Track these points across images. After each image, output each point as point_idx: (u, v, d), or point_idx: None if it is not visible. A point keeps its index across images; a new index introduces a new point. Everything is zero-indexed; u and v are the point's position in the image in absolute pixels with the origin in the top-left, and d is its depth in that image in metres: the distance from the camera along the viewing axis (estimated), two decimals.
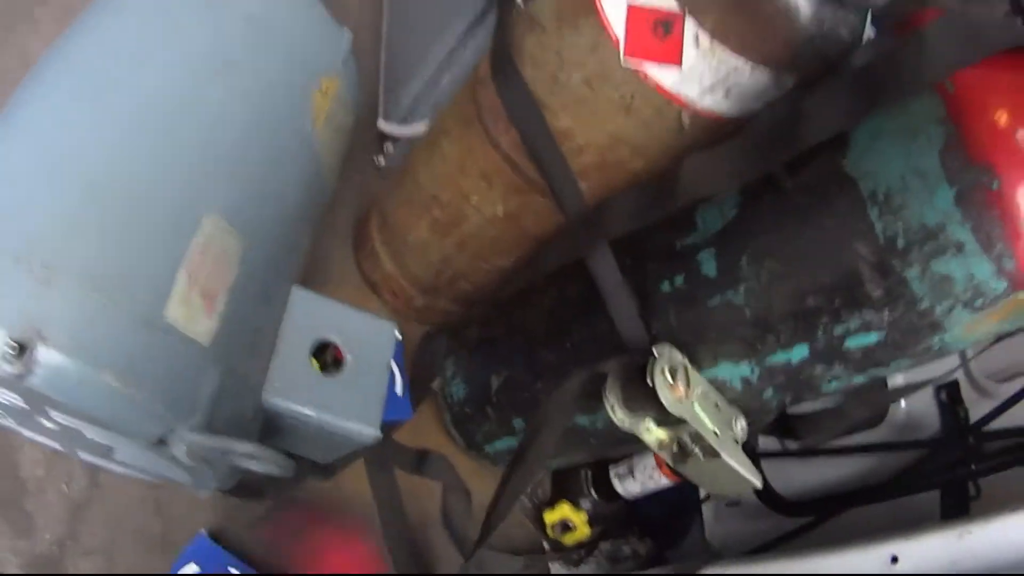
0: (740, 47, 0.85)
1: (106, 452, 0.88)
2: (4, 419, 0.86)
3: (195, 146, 0.84)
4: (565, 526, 1.48)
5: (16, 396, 0.71)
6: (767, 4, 0.84)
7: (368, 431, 0.92)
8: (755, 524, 1.36)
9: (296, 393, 0.90)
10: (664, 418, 0.90)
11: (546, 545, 1.53)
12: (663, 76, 0.88)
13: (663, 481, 1.37)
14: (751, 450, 1.05)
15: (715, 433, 0.88)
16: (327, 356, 0.96)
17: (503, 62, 1.01)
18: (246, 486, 1.13)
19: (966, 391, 1.21)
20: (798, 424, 1.14)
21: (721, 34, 0.84)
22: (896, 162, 0.76)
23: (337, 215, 1.49)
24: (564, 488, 1.51)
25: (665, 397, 0.84)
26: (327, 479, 1.24)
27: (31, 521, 1.07)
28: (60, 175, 0.74)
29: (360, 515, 1.31)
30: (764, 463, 1.28)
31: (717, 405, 0.92)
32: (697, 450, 0.90)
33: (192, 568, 1.13)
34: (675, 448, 0.91)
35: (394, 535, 1.28)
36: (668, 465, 1.29)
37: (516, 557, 1.45)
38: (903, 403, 1.23)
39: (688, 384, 0.88)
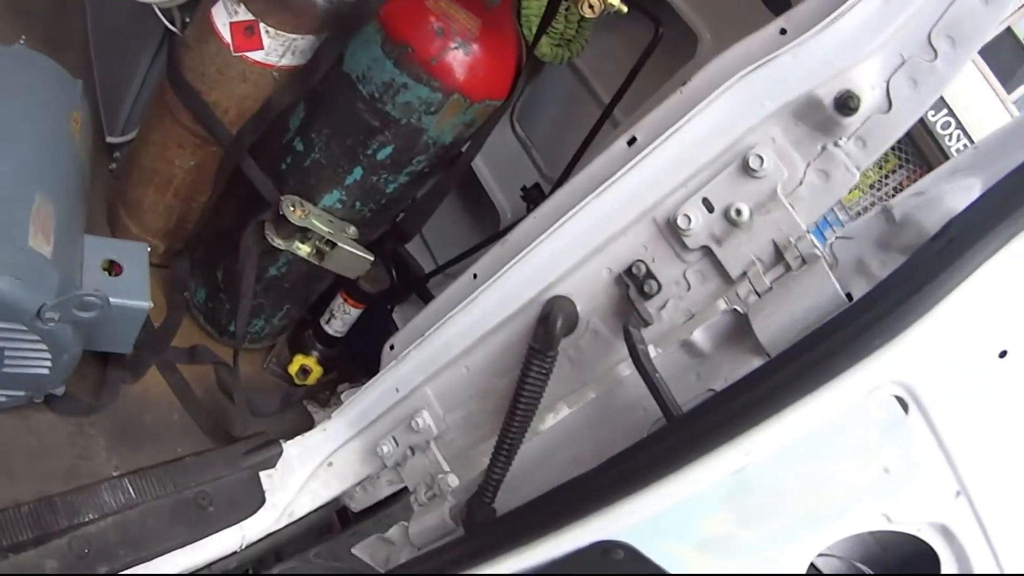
0: (291, 28, 1.64)
1: None
2: None
3: (21, 155, 1.53)
4: (305, 371, 2.19)
5: None
6: (298, 4, 1.62)
7: (144, 304, 1.64)
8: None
9: (98, 287, 1.58)
10: (303, 236, 1.67)
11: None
12: (257, 55, 1.65)
13: (353, 311, 2.11)
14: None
15: (331, 234, 1.66)
16: (112, 269, 1.65)
17: (175, 73, 1.75)
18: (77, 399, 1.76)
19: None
20: (404, 226, 1.92)
21: (277, 25, 1.63)
22: (365, 57, 1.57)
23: (95, 212, 2.12)
24: (296, 346, 2.22)
25: (291, 217, 1.62)
26: (135, 380, 1.88)
27: None
28: None
29: None
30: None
31: (331, 221, 1.70)
32: (327, 248, 1.68)
33: None
34: (315, 251, 1.69)
35: (193, 410, 1.92)
36: (346, 293, 2.05)
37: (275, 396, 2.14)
38: (509, 214, 2.12)
39: (306, 211, 1.65)
